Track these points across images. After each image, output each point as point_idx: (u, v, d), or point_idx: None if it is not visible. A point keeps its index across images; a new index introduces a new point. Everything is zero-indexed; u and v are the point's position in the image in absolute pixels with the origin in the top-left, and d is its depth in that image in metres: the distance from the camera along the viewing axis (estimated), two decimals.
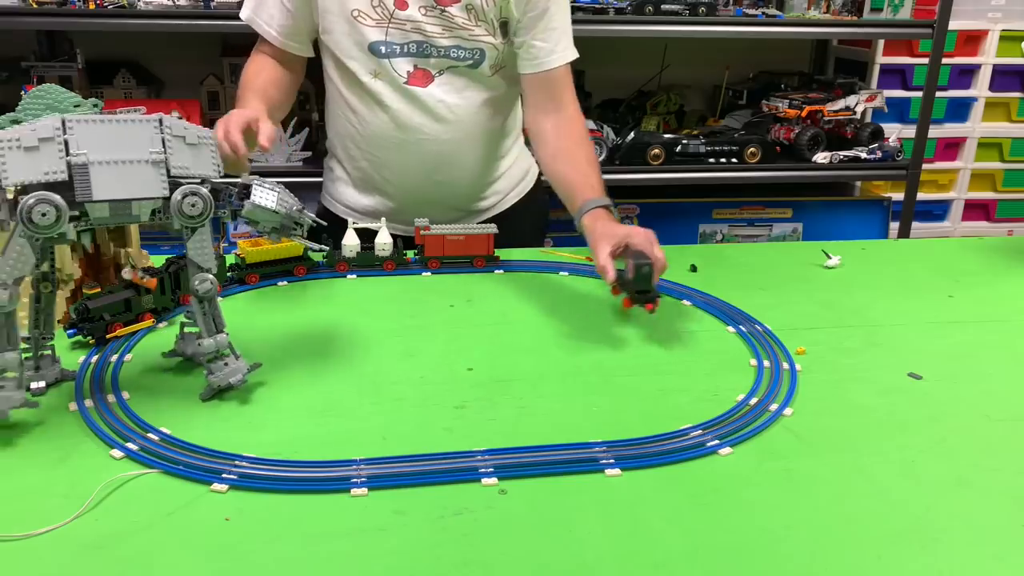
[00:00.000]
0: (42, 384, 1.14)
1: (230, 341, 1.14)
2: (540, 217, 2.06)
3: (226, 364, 1.14)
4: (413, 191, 1.79)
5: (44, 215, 0.99)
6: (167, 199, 1.06)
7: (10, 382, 1.05)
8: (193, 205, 1.07)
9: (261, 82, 1.70)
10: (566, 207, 1.64)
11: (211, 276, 1.12)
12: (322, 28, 1.69)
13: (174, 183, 1.07)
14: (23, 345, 1.08)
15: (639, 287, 1.38)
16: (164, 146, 1.06)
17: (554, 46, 1.69)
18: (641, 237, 1.43)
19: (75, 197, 1.01)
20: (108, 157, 1.02)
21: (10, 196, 1.01)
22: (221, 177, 1.12)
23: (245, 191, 1.13)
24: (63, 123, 1.00)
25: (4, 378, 1.05)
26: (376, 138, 1.75)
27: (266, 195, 1.14)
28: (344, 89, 1.74)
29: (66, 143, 1.00)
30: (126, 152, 1.04)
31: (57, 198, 1.00)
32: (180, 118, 1.08)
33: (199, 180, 1.09)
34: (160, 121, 1.06)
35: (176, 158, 1.07)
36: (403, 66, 1.67)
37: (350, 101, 1.74)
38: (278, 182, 1.17)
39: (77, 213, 1.02)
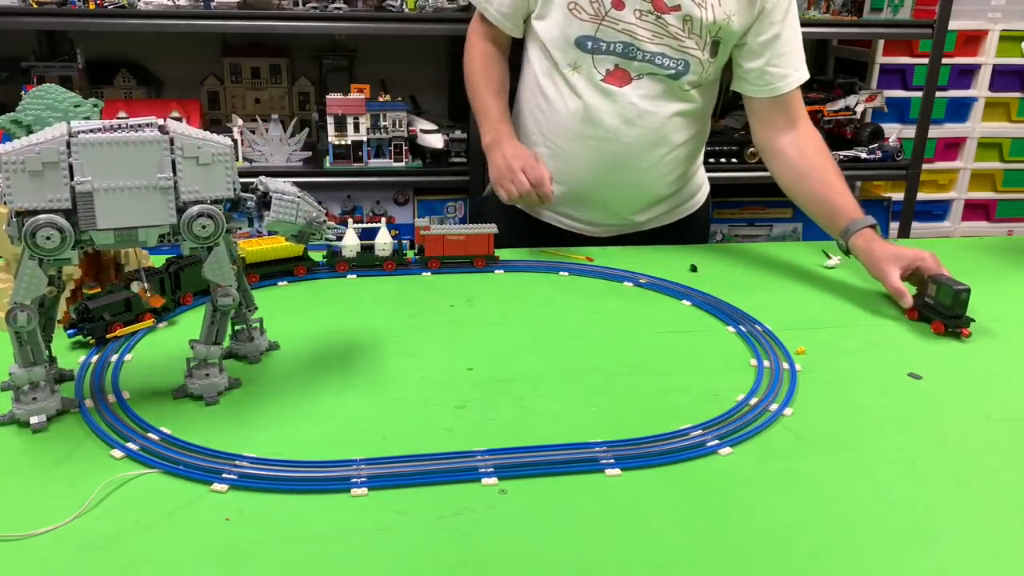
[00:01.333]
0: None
1: (221, 353, 1.14)
2: (700, 235, 2.04)
3: (207, 375, 1.14)
4: (583, 186, 1.82)
5: (48, 239, 0.97)
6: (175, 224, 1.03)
7: (42, 392, 1.06)
8: (204, 227, 1.03)
9: (496, 84, 1.83)
10: (819, 224, 1.70)
11: (234, 292, 1.11)
12: (537, 13, 1.73)
13: (188, 205, 1.03)
14: None
15: (956, 312, 1.39)
16: (174, 168, 1.01)
17: (787, 70, 1.71)
18: (931, 261, 1.48)
19: (78, 225, 0.99)
20: (114, 183, 0.98)
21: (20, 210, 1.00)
22: (242, 191, 1.09)
23: (264, 200, 1.11)
24: (68, 145, 0.96)
25: (37, 389, 1.06)
26: (560, 128, 1.77)
27: (287, 209, 1.11)
28: (541, 75, 1.78)
29: (71, 167, 0.97)
30: (133, 177, 0.99)
31: (63, 223, 0.97)
32: (179, 119, 1.07)
33: (215, 201, 1.05)
34: (171, 141, 1.00)
35: (186, 182, 1.02)
36: (604, 64, 1.70)
37: (544, 87, 1.77)
38: (288, 182, 1.15)
39: (82, 234, 1.00)
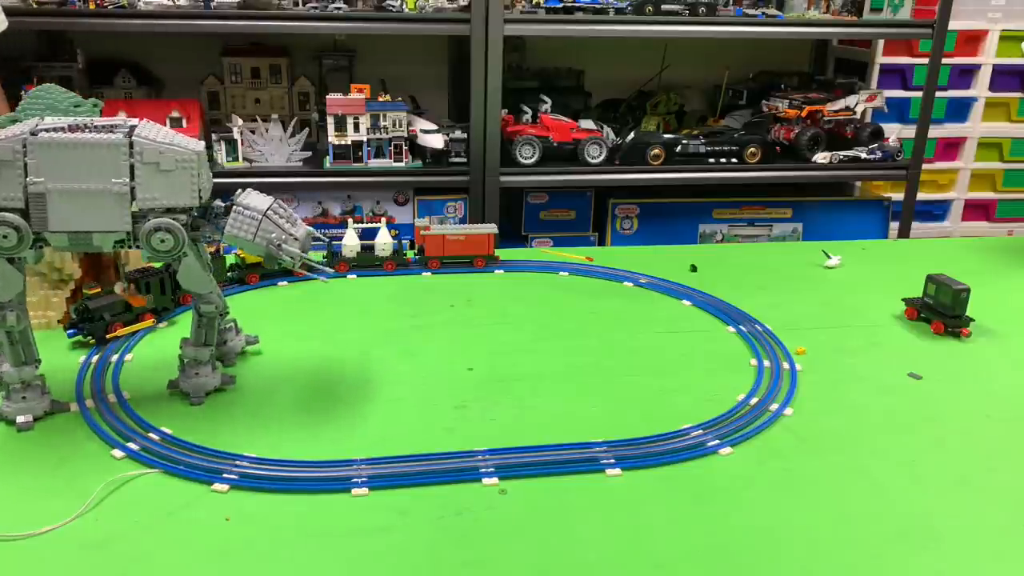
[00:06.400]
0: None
1: (211, 356, 1.14)
2: None
3: (197, 374, 1.13)
4: None
5: (5, 237, 0.96)
6: (131, 231, 0.99)
7: (32, 391, 1.06)
8: (163, 240, 0.99)
9: None
10: None
11: (216, 301, 1.10)
12: None
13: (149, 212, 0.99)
14: None
15: (956, 312, 1.39)
16: (132, 173, 0.97)
17: None
18: None
19: (31, 226, 0.97)
20: (68, 185, 0.95)
21: None
22: (204, 201, 1.03)
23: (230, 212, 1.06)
24: (24, 145, 0.94)
25: (27, 388, 1.06)
26: None
27: (243, 226, 1.04)
28: None
29: (25, 167, 0.94)
30: (88, 180, 0.96)
31: (20, 221, 0.95)
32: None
33: (180, 209, 1.00)
34: (131, 145, 0.96)
35: (144, 188, 0.97)
36: None
37: None
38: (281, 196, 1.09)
39: (38, 235, 0.98)
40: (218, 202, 1.06)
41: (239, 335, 1.26)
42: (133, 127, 0.99)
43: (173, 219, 0.99)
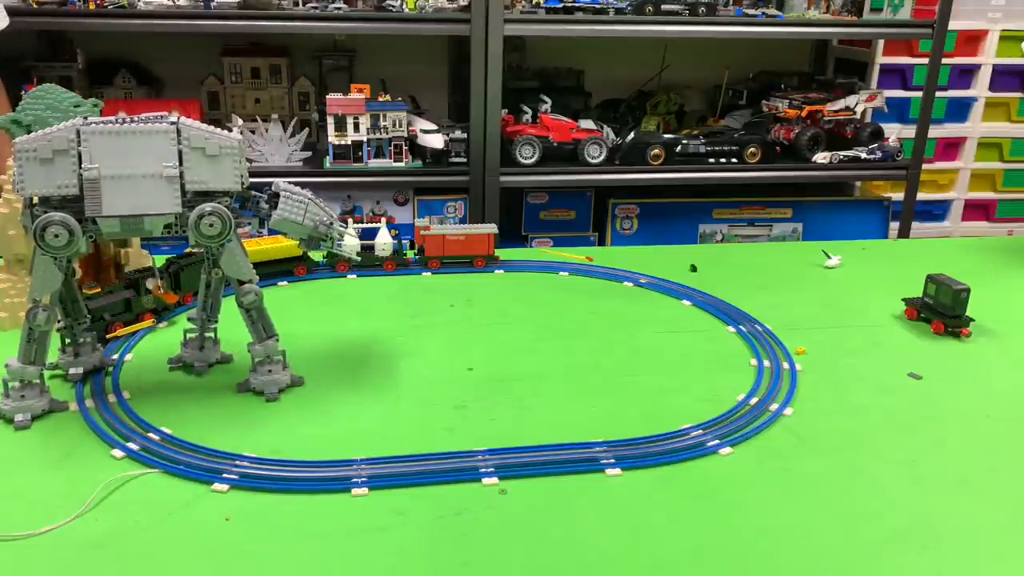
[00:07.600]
0: (80, 371, 1.16)
1: (282, 350, 1.14)
2: None
3: (270, 371, 1.14)
4: None
5: (57, 236, 1.00)
6: (181, 214, 1.04)
7: (31, 390, 1.07)
8: (211, 225, 1.04)
9: None
10: None
11: (255, 287, 1.11)
12: None
13: (195, 196, 1.04)
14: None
15: (956, 312, 1.39)
16: (180, 159, 1.03)
17: None
18: None
19: (84, 211, 1.01)
20: (120, 171, 1.01)
21: (36, 201, 1.02)
22: (247, 188, 1.09)
23: (275, 199, 1.10)
24: (78, 134, 0.99)
25: (27, 387, 1.06)
26: None
27: (294, 209, 1.10)
28: None
29: (79, 155, 1.00)
30: (139, 165, 1.02)
31: (72, 222, 1.00)
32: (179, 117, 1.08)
33: (222, 193, 1.05)
34: (178, 131, 1.02)
35: (192, 172, 1.03)
36: None
37: None
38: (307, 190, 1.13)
39: (90, 224, 1.02)
40: (254, 192, 1.11)
41: (216, 345, 1.25)
42: (175, 121, 1.04)
43: (219, 203, 1.04)
